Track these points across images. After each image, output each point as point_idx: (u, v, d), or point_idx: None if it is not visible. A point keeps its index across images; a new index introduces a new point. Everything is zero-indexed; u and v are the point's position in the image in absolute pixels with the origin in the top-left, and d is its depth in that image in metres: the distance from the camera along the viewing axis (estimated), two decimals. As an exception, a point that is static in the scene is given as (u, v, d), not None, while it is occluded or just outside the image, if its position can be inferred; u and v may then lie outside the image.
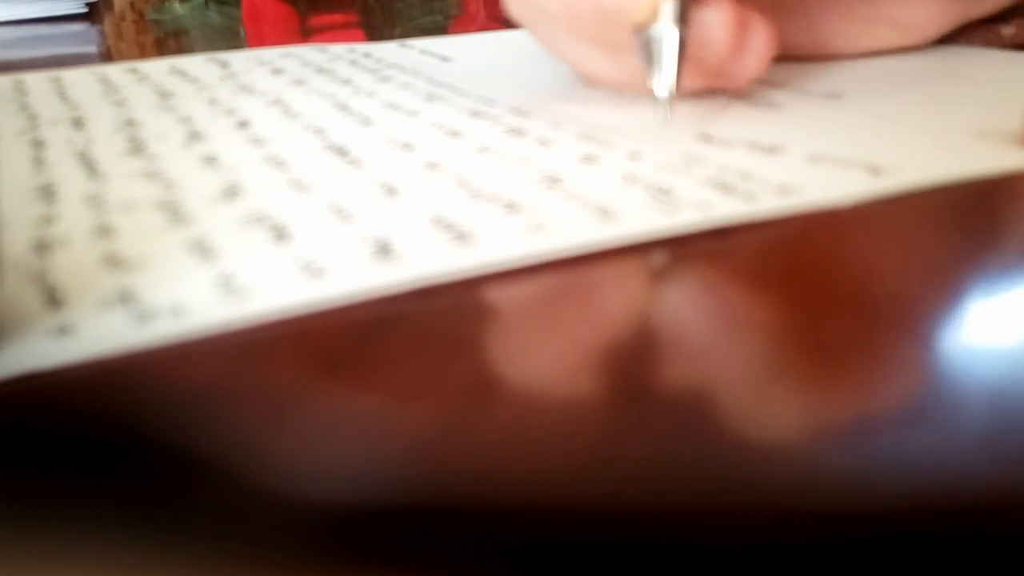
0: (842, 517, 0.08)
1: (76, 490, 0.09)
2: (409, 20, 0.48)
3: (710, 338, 0.12)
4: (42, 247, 0.15)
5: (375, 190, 0.17)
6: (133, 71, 0.32)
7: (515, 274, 0.13)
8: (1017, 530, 0.08)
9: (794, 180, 0.16)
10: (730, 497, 0.08)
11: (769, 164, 0.17)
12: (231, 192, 0.17)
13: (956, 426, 0.09)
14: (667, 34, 0.19)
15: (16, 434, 0.10)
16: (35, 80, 0.31)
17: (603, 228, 0.14)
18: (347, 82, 0.28)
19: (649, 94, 0.19)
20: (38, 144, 0.22)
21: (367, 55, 0.33)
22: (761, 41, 0.21)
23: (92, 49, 0.45)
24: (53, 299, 0.13)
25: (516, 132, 0.21)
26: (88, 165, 0.20)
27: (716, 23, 0.20)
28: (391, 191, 0.17)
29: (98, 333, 0.12)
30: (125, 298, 0.13)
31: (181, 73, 0.31)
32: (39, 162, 0.20)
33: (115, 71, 0.32)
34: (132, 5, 0.58)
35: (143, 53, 0.41)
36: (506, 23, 0.23)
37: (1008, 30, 0.27)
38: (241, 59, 0.33)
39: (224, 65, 0.32)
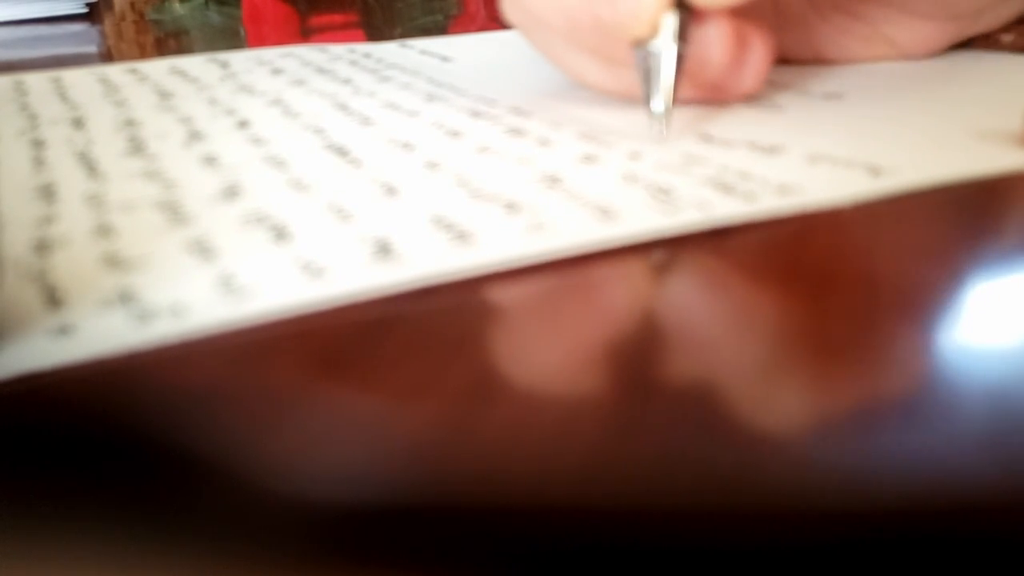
0: (844, 517, 0.08)
1: (76, 490, 0.09)
2: (409, 20, 0.49)
3: (710, 338, 0.12)
4: (42, 247, 0.15)
5: (375, 190, 0.17)
6: (133, 71, 0.32)
7: (515, 274, 0.13)
8: (1017, 530, 0.08)
9: (794, 180, 0.16)
10: (731, 496, 0.08)
11: (769, 164, 0.17)
12: (231, 192, 0.17)
13: (957, 425, 0.09)
14: (666, 50, 0.19)
15: (16, 434, 0.10)
16: (35, 80, 0.31)
17: (603, 228, 0.14)
18: (347, 82, 0.28)
19: (645, 106, 0.19)
20: (38, 144, 0.22)
21: (367, 55, 0.33)
22: (759, 57, 0.21)
23: (92, 49, 0.45)
24: (53, 299, 0.13)
25: (516, 132, 0.21)
26: (88, 165, 0.20)
27: (715, 40, 0.20)
28: (391, 191, 0.17)
29: (98, 333, 0.12)
30: (125, 298, 0.13)
31: (181, 73, 0.31)
32: (39, 162, 0.20)
33: (115, 71, 0.32)
34: (132, 5, 0.58)
35: (143, 53, 0.41)
36: (506, 23, 0.23)
37: (1008, 37, 0.27)
38: (241, 59, 0.33)
39: (224, 65, 0.32)
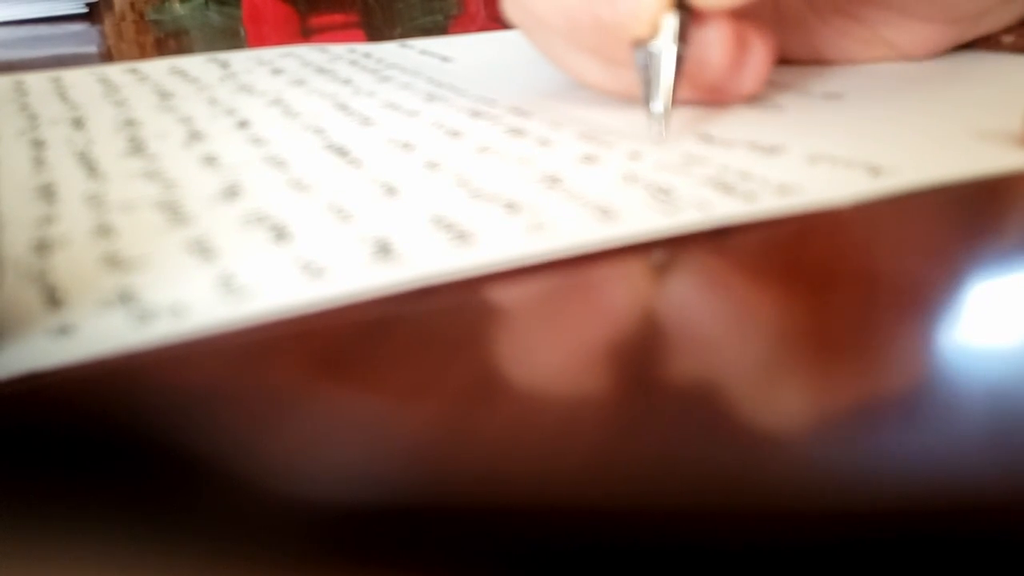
0: (844, 517, 0.08)
1: (76, 490, 0.09)
2: (409, 20, 0.48)
3: (710, 338, 0.12)
4: (42, 247, 0.15)
5: (375, 190, 0.17)
6: (133, 71, 0.32)
7: (515, 274, 0.13)
8: (1017, 530, 0.08)
9: (794, 180, 0.16)
10: (732, 496, 0.08)
11: (769, 164, 0.17)
12: (231, 192, 0.17)
13: (957, 425, 0.09)
14: (665, 51, 0.19)
15: (16, 434, 0.10)
16: (35, 80, 0.31)
17: (603, 228, 0.14)
18: (347, 82, 0.28)
19: (644, 106, 0.19)
20: (38, 144, 0.22)
21: (367, 55, 0.33)
22: (759, 60, 0.21)
23: (92, 49, 0.45)
24: (53, 299, 0.13)
25: (516, 132, 0.21)
26: (88, 165, 0.20)
27: (715, 42, 0.20)
28: (391, 191, 0.17)
29: (98, 333, 0.12)
30: (125, 298, 0.13)
31: (181, 73, 0.31)
32: (39, 162, 0.20)
33: (115, 71, 0.32)
34: (132, 5, 0.58)
35: (143, 53, 0.41)
36: (506, 23, 0.23)
37: (1008, 38, 0.27)
38: (241, 59, 0.33)
39: (224, 65, 0.32)
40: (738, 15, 0.20)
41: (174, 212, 0.16)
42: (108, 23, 0.53)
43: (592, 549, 0.08)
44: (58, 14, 0.56)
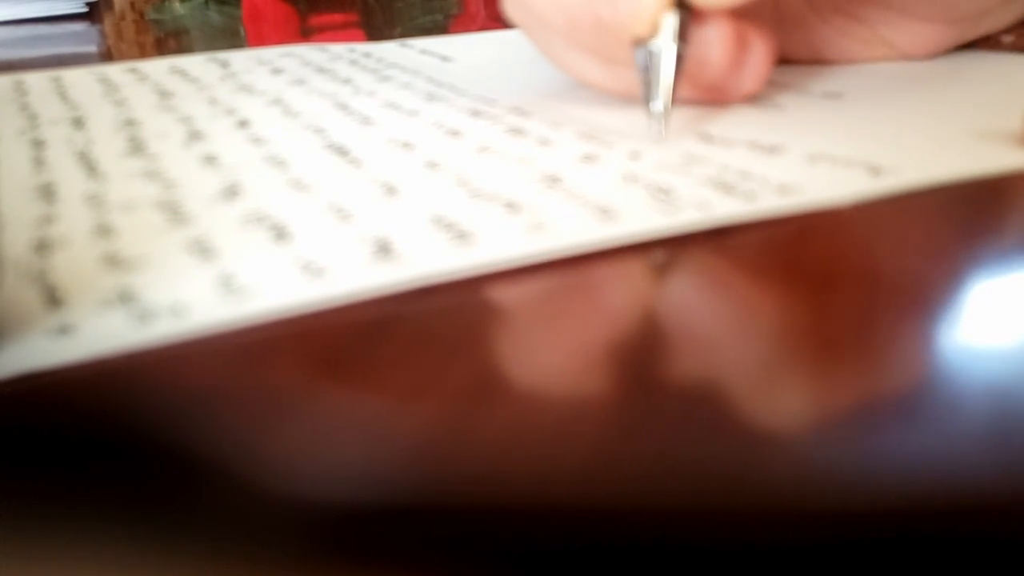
0: (844, 517, 0.08)
1: (76, 490, 0.09)
2: (409, 20, 0.48)
3: (710, 338, 0.12)
4: (42, 247, 0.15)
5: (375, 190, 0.17)
6: (133, 71, 0.32)
7: (515, 274, 0.13)
8: (1017, 530, 0.08)
9: (794, 180, 0.16)
10: (732, 496, 0.08)
11: (769, 164, 0.17)
12: (231, 192, 0.17)
13: (957, 425, 0.09)
14: (666, 50, 0.19)
15: (16, 434, 0.10)
16: (35, 80, 0.31)
17: (603, 228, 0.14)
18: (347, 82, 0.28)
19: (644, 105, 0.19)
20: (38, 144, 0.22)
21: (367, 55, 0.33)
22: (759, 59, 0.21)
23: (92, 49, 0.45)
24: (53, 299, 0.13)
25: (516, 132, 0.21)
26: (88, 165, 0.20)
27: (715, 41, 0.20)
28: (391, 191, 0.17)
29: (98, 333, 0.12)
30: (125, 298, 0.13)
31: (181, 73, 0.31)
32: (39, 162, 0.20)
33: (115, 71, 0.32)
34: (132, 5, 0.58)
35: (143, 53, 0.41)
36: (506, 23, 0.23)
37: (1008, 38, 0.27)
38: (241, 59, 0.33)
39: (224, 65, 0.32)
40: (738, 14, 0.20)
41: (174, 212, 0.16)
42: (108, 23, 0.53)
43: (592, 549, 0.08)
44: (58, 14, 0.56)
